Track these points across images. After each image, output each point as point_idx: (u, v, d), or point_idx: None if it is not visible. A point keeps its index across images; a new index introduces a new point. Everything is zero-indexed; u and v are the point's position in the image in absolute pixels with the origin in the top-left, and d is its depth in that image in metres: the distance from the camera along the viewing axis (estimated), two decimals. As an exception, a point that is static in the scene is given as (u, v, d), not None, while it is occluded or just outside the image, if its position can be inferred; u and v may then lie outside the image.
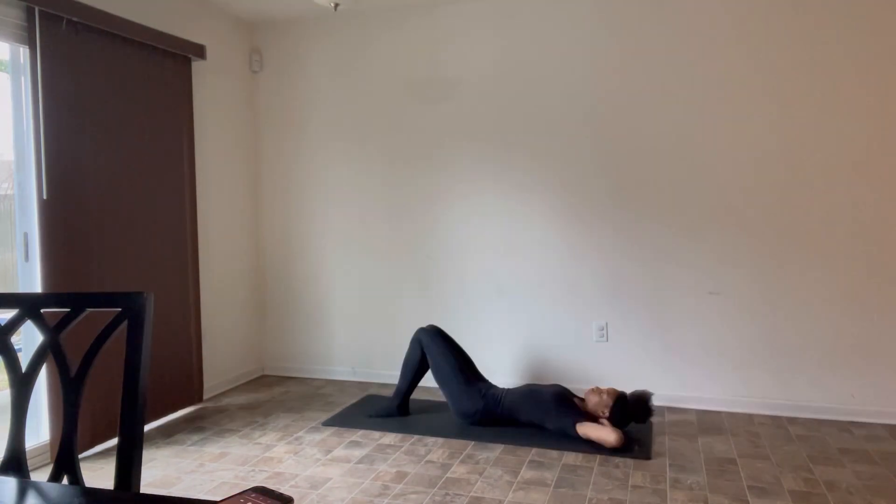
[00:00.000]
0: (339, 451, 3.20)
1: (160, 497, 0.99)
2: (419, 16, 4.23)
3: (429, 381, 4.22)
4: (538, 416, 3.38)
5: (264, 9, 4.26)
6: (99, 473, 2.99)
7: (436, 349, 3.57)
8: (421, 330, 3.67)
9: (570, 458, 3.08)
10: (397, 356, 4.37)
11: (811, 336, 3.62)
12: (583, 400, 3.43)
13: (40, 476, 2.94)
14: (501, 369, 4.17)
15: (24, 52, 3.04)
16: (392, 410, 3.68)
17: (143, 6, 3.62)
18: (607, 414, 3.29)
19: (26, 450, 1.38)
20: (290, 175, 4.59)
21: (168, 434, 3.49)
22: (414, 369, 3.65)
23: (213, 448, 3.28)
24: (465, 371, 3.54)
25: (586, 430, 3.22)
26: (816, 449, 3.16)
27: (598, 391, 3.34)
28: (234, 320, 4.43)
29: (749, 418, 3.62)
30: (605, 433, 3.15)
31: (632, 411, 3.28)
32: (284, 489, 2.79)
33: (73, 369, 1.29)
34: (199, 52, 3.92)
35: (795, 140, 3.60)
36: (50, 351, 1.30)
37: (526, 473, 2.91)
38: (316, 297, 4.58)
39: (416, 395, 4.13)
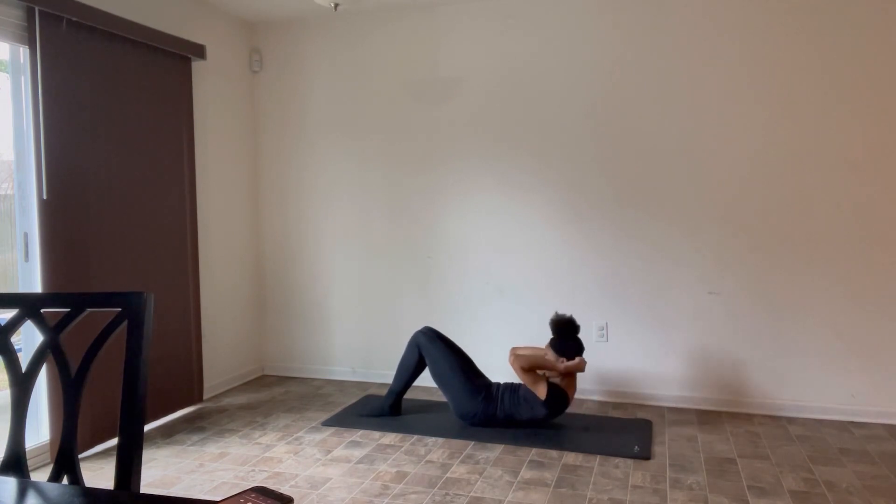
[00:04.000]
0: (339, 451, 3.21)
1: (160, 497, 0.99)
2: (419, 15, 4.24)
3: (429, 380, 4.22)
4: (528, 412, 3.39)
5: (264, 9, 4.26)
6: (99, 473, 2.99)
7: (435, 352, 3.57)
8: (418, 333, 3.66)
9: (570, 458, 3.08)
10: (397, 356, 4.37)
11: (811, 336, 3.62)
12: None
13: (40, 476, 2.94)
14: (501, 369, 4.17)
15: (24, 52, 3.04)
16: (384, 410, 3.69)
17: (144, 6, 3.62)
18: (564, 360, 3.38)
19: (26, 450, 1.38)
20: (290, 175, 4.59)
21: (168, 434, 3.49)
22: (409, 372, 3.65)
23: (213, 448, 3.28)
24: (466, 372, 3.54)
25: (537, 390, 3.34)
26: (816, 449, 3.16)
27: (538, 368, 3.42)
28: (234, 320, 4.43)
29: (749, 418, 3.62)
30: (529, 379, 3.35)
31: (568, 339, 3.41)
32: (284, 489, 2.79)
33: (73, 369, 1.29)
34: (199, 52, 3.92)
35: (796, 140, 3.60)
36: (50, 351, 1.30)
37: (526, 473, 2.91)
38: (316, 297, 4.58)
39: (416, 395, 4.13)
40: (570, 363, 3.36)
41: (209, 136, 4.17)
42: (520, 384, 3.49)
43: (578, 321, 3.98)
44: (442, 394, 4.02)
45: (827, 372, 3.60)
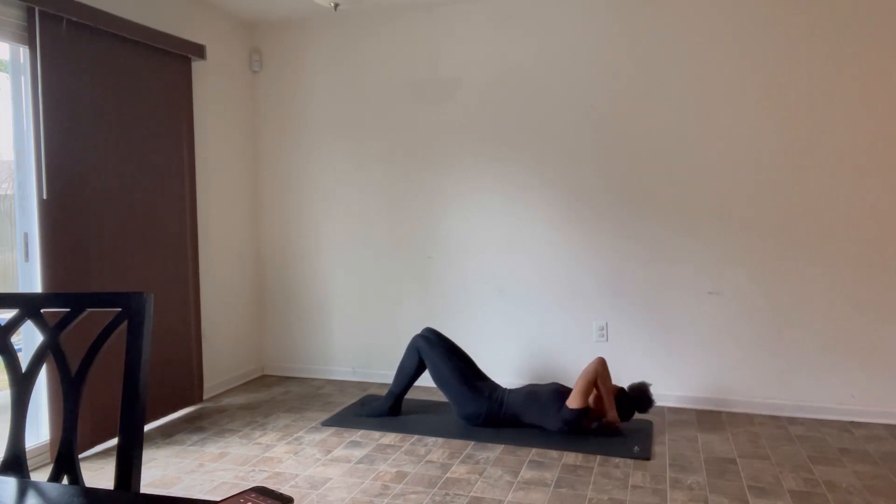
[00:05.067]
0: (339, 451, 3.21)
1: (160, 497, 0.99)
2: (419, 16, 4.24)
3: (429, 380, 4.22)
4: (540, 418, 3.38)
5: (264, 9, 4.26)
6: (99, 473, 2.99)
7: (435, 355, 3.56)
8: (418, 337, 3.65)
9: (570, 458, 3.08)
10: (397, 356, 4.37)
11: (811, 336, 3.62)
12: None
13: (40, 476, 2.94)
14: (501, 369, 4.17)
15: (24, 52, 3.04)
16: (384, 411, 3.69)
17: (143, 6, 3.62)
18: (614, 414, 3.35)
19: (26, 450, 1.38)
20: (290, 175, 4.59)
21: (168, 434, 3.49)
22: (409, 375, 3.66)
23: (213, 448, 3.28)
24: (467, 374, 3.53)
25: (576, 397, 3.29)
26: (816, 449, 3.16)
27: (595, 391, 3.36)
28: (234, 320, 4.43)
29: (749, 418, 3.62)
30: (587, 378, 3.29)
31: (633, 405, 3.40)
32: (284, 489, 2.79)
33: (73, 369, 1.29)
34: (199, 52, 3.92)
35: (796, 140, 3.60)
36: (50, 351, 1.30)
37: (526, 473, 2.91)
38: (316, 297, 4.58)
39: (416, 394, 4.13)
40: (612, 418, 3.35)
41: (209, 136, 4.17)
42: (540, 392, 3.45)
43: (581, 319, 3.99)
44: (442, 394, 4.02)
45: (827, 372, 3.60)
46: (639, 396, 3.39)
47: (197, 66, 4.03)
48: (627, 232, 3.89)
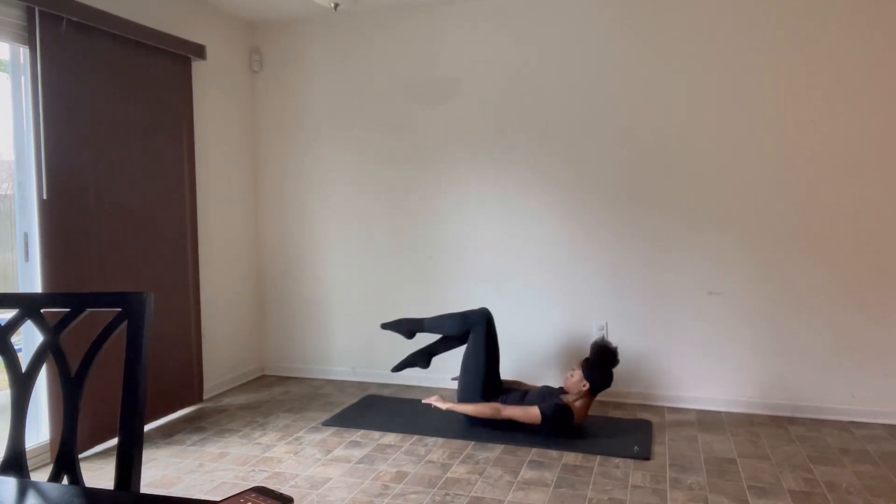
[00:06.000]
0: (339, 451, 3.21)
1: (160, 497, 0.99)
2: (419, 16, 4.24)
3: (431, 381, 4.23)
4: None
5: (264, 9, 4.26)
6: (99, 473, 2.99)
7: (481, 340, 3.49)
8: (482, 314, 3.54)
9: (570, 458, 3.08)
10: (397, 356, 4.37)
11: (811, 336, 3.62)
12: (564, 391, 3.43)
13: (40, 476, 2.94)
14: (501, 369, 4.16)
15: (24, 52, 3.04)
16: (410, 334, 3.71)
17: (143, 6, 3.62)
18: (587, 385, 3.31)
19: (26, 450, 1.38)
20: (290, 175, 4.59)
21: (168, 434, 3.49)
22: (445, 334, 3.60)
23: (213, 448, 3.28)
24: (489, 374, 3.48)
25: (510, 411, 3.30)
26: (816, 449, 3.16)
27: (569, 374, 3.39)
28: (234, 320, 4.43)
29: (749, 418, 3.62)
30: (521, 412, 3.30)
31: (602, 365, 3.32)
32: (284, 489, 2.79)
33: (73, 369, 1.29)
34: (199, 52, 3.92)
35: (796, 140, 3.60)
36: (50, 351, 1.30)
37: (526, 473, 2.91)
38: (316, 297, 4.58)
39: (416, 394, 4.13)
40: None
41: (209, 136, 4.17)
42: (528, 390, 3.48)
43: (581, 319, 3.99)
44: (448, 387, 4.02)
45: (827, 372, 3.60)
46: (603, 359, 3.32)
47: (197, 66, 4.02)
48: (628, 232, 3.89)
